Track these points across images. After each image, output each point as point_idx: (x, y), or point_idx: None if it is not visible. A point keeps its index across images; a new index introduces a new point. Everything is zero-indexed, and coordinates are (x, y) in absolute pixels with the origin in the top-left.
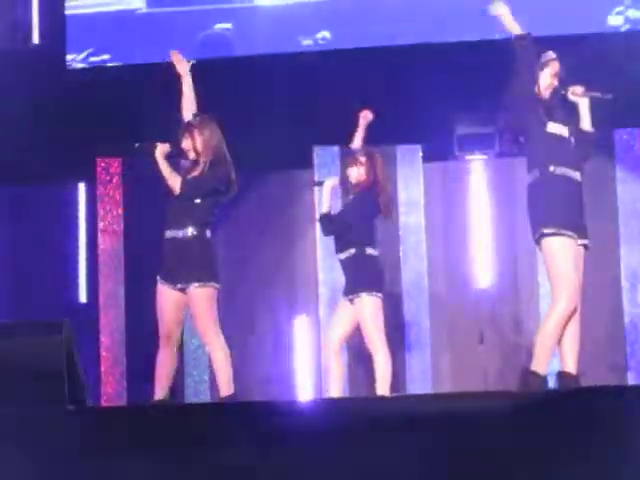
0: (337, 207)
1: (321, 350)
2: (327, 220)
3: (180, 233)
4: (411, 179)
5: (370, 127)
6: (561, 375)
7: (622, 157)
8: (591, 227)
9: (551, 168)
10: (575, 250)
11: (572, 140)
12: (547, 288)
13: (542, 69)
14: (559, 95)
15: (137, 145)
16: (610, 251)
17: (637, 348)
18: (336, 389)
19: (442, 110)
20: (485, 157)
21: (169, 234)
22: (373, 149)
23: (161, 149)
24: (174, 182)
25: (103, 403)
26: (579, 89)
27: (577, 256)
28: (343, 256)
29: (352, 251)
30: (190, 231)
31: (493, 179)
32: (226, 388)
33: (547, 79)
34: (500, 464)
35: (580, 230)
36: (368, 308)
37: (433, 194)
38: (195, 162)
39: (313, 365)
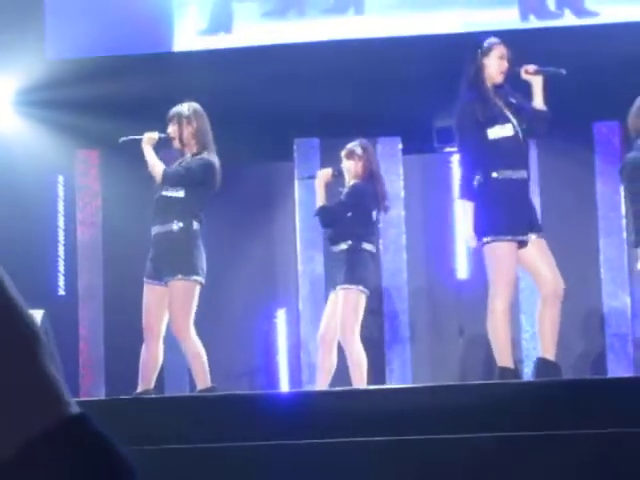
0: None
1: (301, 344)
2: (325, 212)
3: (165, 228)
4: (391, 172)
5: (350, 119)
6: (541, 361)
7: (601, 150)
8: (571, 219)
9: (494, 174)
10: (514, 251)
11: (518, 135)
12: (527, 281)
13: (487, 55)
14: (513, 76)
15: (122, 139)
16: (589, 243)
17: (616, 339)
18: (323, 382)
19: (421, 103)
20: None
21: (154, 230)
22: (368, 142)
23: (148, 137)
24: (157, 171)
25: (81, 396)
26: (531, 67)
27: (526, 252)
28: (337, 248)
29: (349, 243)
30: (175, 225)
31: None
32: (203, 381)
33: (495, 63)
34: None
35: (527, 228)
36: (350, 302)
37: (413, 186)
38: (180, 152)
39: (293, 358)
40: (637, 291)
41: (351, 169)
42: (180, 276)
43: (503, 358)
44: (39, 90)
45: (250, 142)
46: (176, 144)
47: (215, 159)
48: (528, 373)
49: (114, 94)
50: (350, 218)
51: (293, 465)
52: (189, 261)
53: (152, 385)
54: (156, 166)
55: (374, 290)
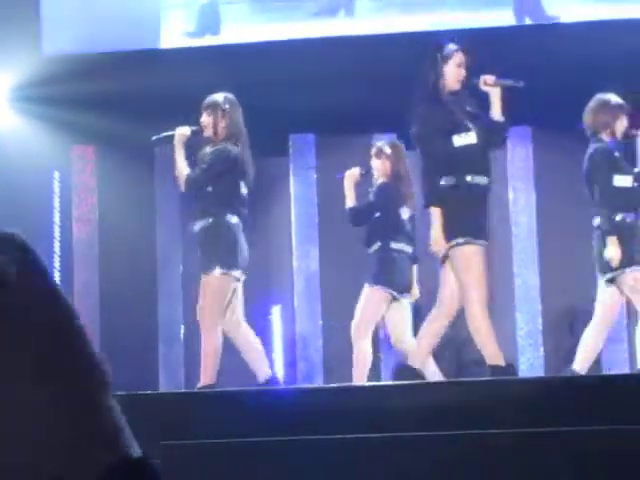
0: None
1: (296, 340)
2: (355, 212)
3: (200, 224)
4: None
5: (345, 115)
6: (490, 368)
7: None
8: (567, 218)
9: (459, 180)
10: (481, 254)
11: (480, 143)
12: (522, 278)
13: (446, 62)
14: (471, 85)
15: (154, 138)
16: (585, 240)
17: (611, 338)
18: (360, 377)
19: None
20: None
21: (193, 228)
22: (399, 143)
23: (180, 134)
24: (181, 179)
25: None
26: (490, 78)
27: (480, 258)
28: (371, 250)
29: (378, 244)
30: (208, 220)
31: None
32: (208, 378)
33: (453, 71)
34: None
35: (486, 234)
36: (372, 301)
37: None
38: (208, 140)
39: (289, 355)
40: None
41: (379, 168)
42: (213, 270)
43: (492, 357)
44: (35, 86)
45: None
46: (208, 133)
47: (237, 148)
48: (524, 370)
49: (110, 90)
50: (379, 218)
51: (288, 461)
52: (223, 255)
53: (215, 379)
54: (182, 171)
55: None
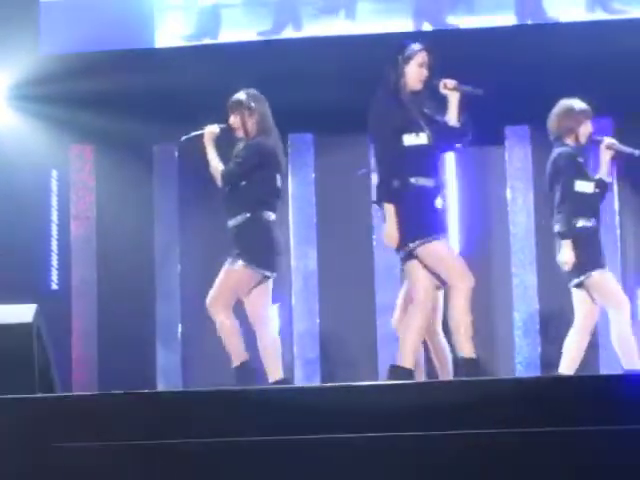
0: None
1: (294, 339)
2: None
3: (235, 220)
4: None
5: (344, 115)
6: (462, 361)
7: (593, 147)
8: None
9: (410, 180)
10: (447, 246)
11: (432, 144)
12: (520, 278)
13: (407, 62)
14: (431, 86)
15: (183, 138)
16: None
17: (608, 337)
18: (445, 374)
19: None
20: (458, 146)
21: (228, 224)
22: None
23: (209, 132)
24: (217, 175)
25: (74, 391)
26: (450, 82)
27: (449, 249)
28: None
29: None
30: (243, 216)
31: (465, 167)
32: (236, 355)
33: (414, 70)
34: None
35: (442, 230)
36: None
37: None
38: (240, 139)
39: (287, 354)
40: (629, 288)
41: None
42: (237, 262)
43: (467, 348)
44: (33, 85)
45: None
46: (239, 133)
47: (270, 141)
48: (522, 370)
49: (109, 89)
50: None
51: (285, 461)
52: (256, 252)
53: (282, 374)
54: (217, 168)
55: (366, 285)
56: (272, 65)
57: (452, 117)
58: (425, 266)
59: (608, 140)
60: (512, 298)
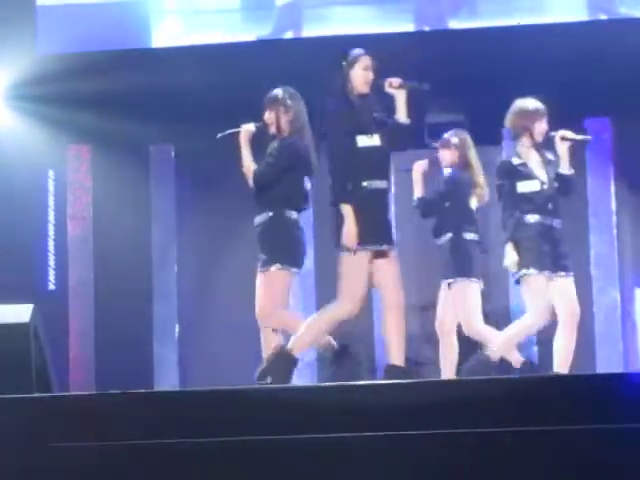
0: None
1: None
2: (424, 203)
3: (259, 219)
4: None
5: None
6: (390, 368)
7: (592, 146)
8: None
9: (362, 183)
10: (368, 261)
11: (383, 147)
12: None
13: (352, 66)
14: (378, 88)
15: (219, 135)
16: (580, 240)
17: (605, 336)
18: (450, 373)
19: (412, 98)
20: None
21: (255, 221)
22: (465, 133)
23: (245, 130)
24: (249, 175)
25: (71, 391)
26: (396, 81)
27: (378, 262)
28: (440, 241)
29: (449, 235)
30: (266, 215)
31: None
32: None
33: (359, 74)
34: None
35: (383, 238)
36: (462, 294)
37: (403, 182)
38: (273, 137)
39: None
40: (627, 288)
41: (446, 158)
42: (270, 266)
43: (299, 346)
44: (30, 85)
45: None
46: (272, 130)
47: (303, 142)
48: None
49: (105, 89)
50: (449, 208)
51: (281, 460)
52: (280, 251)
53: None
54: (249, 167)
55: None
56: (268, 65)
57: (401, 115)
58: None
59: (561, 132)
60: (509, 298)
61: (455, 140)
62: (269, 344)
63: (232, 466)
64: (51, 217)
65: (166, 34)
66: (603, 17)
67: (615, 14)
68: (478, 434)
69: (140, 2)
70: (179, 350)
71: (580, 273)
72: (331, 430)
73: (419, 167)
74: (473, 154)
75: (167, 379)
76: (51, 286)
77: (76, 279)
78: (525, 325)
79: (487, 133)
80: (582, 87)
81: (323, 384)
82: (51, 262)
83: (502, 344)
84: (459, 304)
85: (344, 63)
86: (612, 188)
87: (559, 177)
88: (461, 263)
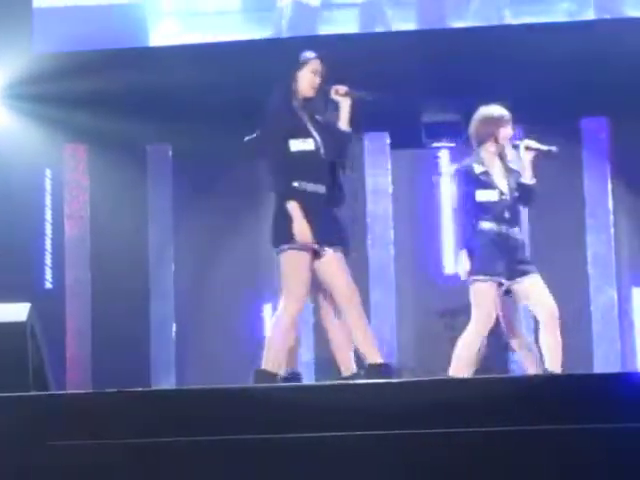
0: None
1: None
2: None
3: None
4: (379, 166)
5: None
6: (371, 368)
7: (589, 146)
8: (558, 215)
9: (294, 185)
10: (307, 260)
11: (320, 151)
12: None
13: (301, 68)
14: (324, 93)
15: (247, 139)
16: (577, 239)
17: (602, 335)
18: (532, 367)
19: (409, 98)
20: (452, 145)
21: None
22: None
23: None
24: None
25: (68, 389)
26: (342, 88)
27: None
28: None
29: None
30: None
31: None
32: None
33: (307, 77)
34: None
35: (321, 240)
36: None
37: (401, 182)
38: None
39: None
40: (624, 287)
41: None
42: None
43: (273, 364)
44: (27, 84)
45: (236, 137)
46: None
47: (348, 140)
48: (516, 369)
49: (102, 88)
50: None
51: (278, 459)
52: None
53: (296, 365)
54: None
55: (361, 285)
56: (265, 64)
57: (344, 123)
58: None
59: (526, 142)
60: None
61: None
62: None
63: (230, 465)
64: (48, 216)
65: (164, 36)
66: (607, 17)
67: (618, 14)
68: (473, 433)
69: (138, 4)
70: (176, 349)
71: (577, 272)
72: (329, 429)
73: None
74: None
75: (164, 378)
76: (48, 285)
77: (73, 278)
78: (467, 341)
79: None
80: (579, 87)
81: (320, 383)
82: (48, 261)
83: (453, 371)
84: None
85: (295, 64)
86: (609, 187)
87: (520, 186)
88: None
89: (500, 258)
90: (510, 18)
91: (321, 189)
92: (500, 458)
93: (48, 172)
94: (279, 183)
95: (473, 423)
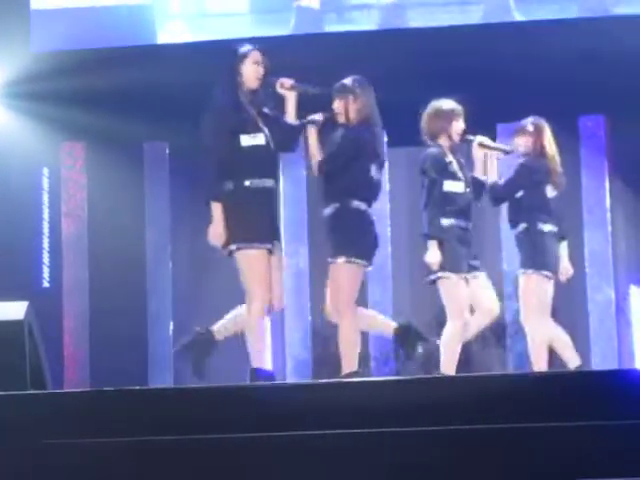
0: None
1: (285, 337)
2: (495, 189)
3: (327, 210)
4: None
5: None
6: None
7: (586, 144)
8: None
9: (245, 182)
10: (265, 258)
11: (270, 145)
12: (511, 276)
13: (242, 61)
14: (268, 85)
15: None
16: (574, 237)
17: (600, 333)
18: (542, 363)
19: (408, 95)
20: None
21: (323, 213)
22: (541, 119)
23: (313, 120)
24: (314, 164)
25: (65, 388)
26: (287, 82)
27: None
28: (516, 231)
29: (524, 226)
30: (333, 207)
31: None
32: (349, 364)
33: (250, 69)
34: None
35: (272, 237)
36: (530, 287)
37: (398, 179)
38: (341, 125)
39: (277, 352)
40: (621, 284)
41: (521, 145)
42: (337, 258)
43: (257, 359)
44: (24, 83)
45: None
46: (341, 119)
47: (369, 131)
48: (514, 366)
49: (99, 86)
50: (522, 197)
51: (276, 457)
52: (348, 243)
53: (356, 367)
54: (315, 156)
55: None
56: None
57: (290, 116)
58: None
59: (479, 138)
60: (502, 294)
61: (530, 128)
62: (346, 335)
63: (228, 463)
64: (46, 214)
65: (171, 38)
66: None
67: (603, 12)
68: (469, 431)
69: (146, 6)
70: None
71: (574, 270)
72: (326, 427)
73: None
74: (550, 141)
75: (161, 377)
76: (45, 284)
77: (71, 276)
78: (448, 339)
79: (482, 130)
80: (577, 85)
81: (319, 381)
82: (46, 259)
83: (443, 368)
84: (526, 297)
85: (234, 59)
86: (606, 185)
87: (473, 180)
88: (533, 255)
89: (463, 253)
90: (509, 16)
91: (270, 183)
92: (496, 456)
93: (45, 170)
94: (228, 180)
95: (468, 421)
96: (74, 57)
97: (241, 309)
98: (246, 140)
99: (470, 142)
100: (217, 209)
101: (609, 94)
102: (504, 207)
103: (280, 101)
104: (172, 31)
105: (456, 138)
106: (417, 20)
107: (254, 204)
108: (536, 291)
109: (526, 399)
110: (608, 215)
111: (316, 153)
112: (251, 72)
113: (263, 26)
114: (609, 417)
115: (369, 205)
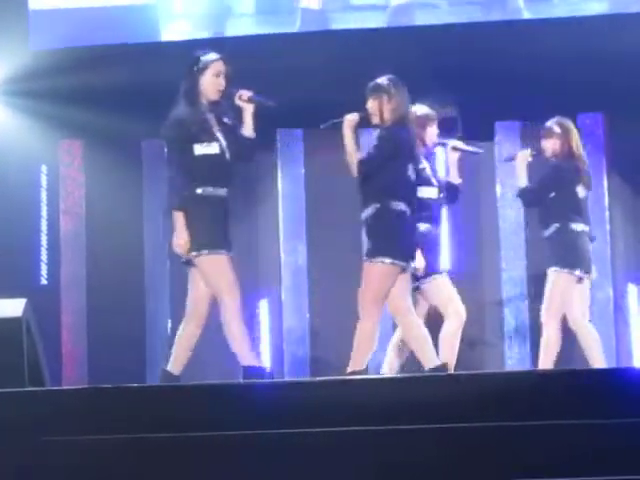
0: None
1: (283, 334)
2: (528, 193)
3: (365, 213)
4: None
5: (335, 110)
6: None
7: (585, 142)
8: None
9: (197, 190)
10: (228, 263)
11: (225, 155)
12: (510, 274)
13: (202, 72)
14: (230, 95)
15: (323, 125)
16: None
17: (598, 331)
18: (549, 362)
19: (410, 93)
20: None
21: (362, 215)
22: (568, 121)
23: (349, 120)
24: (352, 164)
25: (63, 385)
26: (245, 94)
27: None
28: (548, 232)
29: (556, 226)
30: (373, 208)
31: None
32: (358, 362)
33: (210, 81)
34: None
35: (225, 244)
36: (558, 285)
37: None
38: (377, 125)
39: (276, 349)
40: (620, 282)
41: (549, 148)
42: (375, 258)
43: (246, 359)
44: (23, 80)
45: None
46: (375, 120)
47: (405, 131)
48: (512, 365)
49: (98, 84)
50: (554, 199)
51: (273, 455)
52: (386, 244)
53: (365, 365)
54: (353, 157)
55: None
56: (261, 60)
57: (247, 128)
58: (202, 277)
59: (453, 142)
60: (501, 293)
61: (557, 129)
62: (363, 334)
63: (226, 460)
64: (44, 212)
65: (175, 37)
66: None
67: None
68: (469, 429)
69: (149, 6)
70: (171, 346)
71: None
72: (324, 425)
73: (522, 156)
74: (577, 142)
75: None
76: (43, 281)
77: (69, 274)
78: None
79: (480, 129)
80: (575, 83)
81: (318, 379)
82: (44, 257)
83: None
84: (553, 294)
85: (195, 69)
86: (605, 183)
87: (448, 185)
88: (565, 254)
89: (438, 256)
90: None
91: (224, 192)
92: (496, 453)
93: (44, 168)
94: (184, 188)
95: (468, 418)
96: (72, 55)
97: (180, 330)
98: (199, 149)
99: (444, 146)
100: (179, 218)
101: (608, 92)
102: (503, 207)
103: (241, 112)
104: (176, 31)
105: (429, 144)
106: (419, 20)
107: (207, 212)
108: (562, 290)
109: (525, 397)
110: (606, 213)
111: (353, 153)
112: (210, 84)
113: (268, 27)
114: (608, 415)
115: (409, 205)
